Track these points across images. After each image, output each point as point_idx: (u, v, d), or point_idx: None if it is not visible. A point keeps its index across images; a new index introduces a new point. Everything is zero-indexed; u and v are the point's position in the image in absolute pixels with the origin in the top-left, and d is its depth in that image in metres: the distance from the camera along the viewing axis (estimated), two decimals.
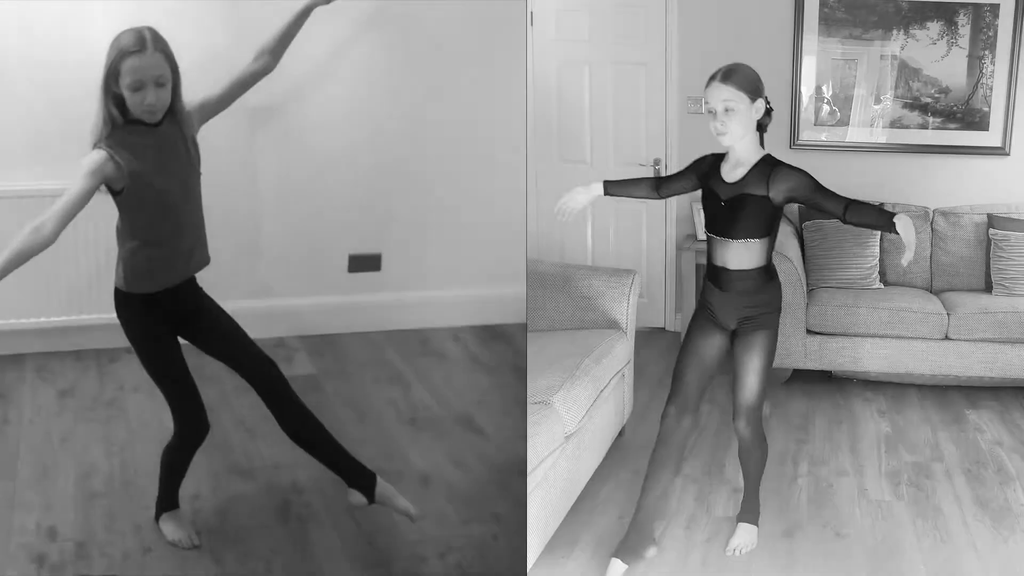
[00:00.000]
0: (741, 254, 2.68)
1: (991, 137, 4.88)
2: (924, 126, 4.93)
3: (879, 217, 2.59)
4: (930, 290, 4.73)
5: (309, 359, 3.54)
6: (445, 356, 3.69)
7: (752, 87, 2.58)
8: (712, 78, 2.59)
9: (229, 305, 2.51)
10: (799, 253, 4.58)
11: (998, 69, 4.80)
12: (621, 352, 3.55)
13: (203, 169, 3.43)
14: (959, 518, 3.24)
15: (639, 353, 4.15)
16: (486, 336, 3.84)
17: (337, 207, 3.75)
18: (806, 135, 5.06)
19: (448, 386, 3.43)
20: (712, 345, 2.80)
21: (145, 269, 2.32)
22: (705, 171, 2.75)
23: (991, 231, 4.64)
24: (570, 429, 2.99)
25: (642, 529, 2.85)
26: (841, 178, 5.00)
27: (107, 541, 2.52)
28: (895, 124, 4.97)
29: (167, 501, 2.57)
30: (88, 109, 3.28)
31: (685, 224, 5.19)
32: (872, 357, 4.36)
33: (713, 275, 2.78)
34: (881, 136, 5.00)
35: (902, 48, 4.87)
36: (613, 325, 3.69)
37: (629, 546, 2.84)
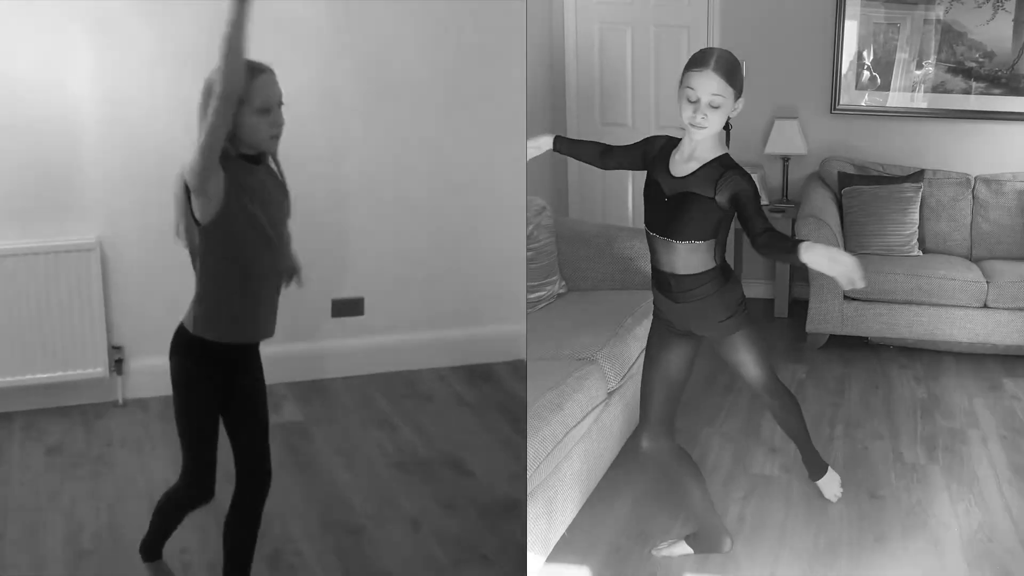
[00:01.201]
0: (687, 258, 2.44)
1: None
2: (967, 91, 4.87)
3: (785, 249, 2.26)
4: (970, 258, 4.71)
5: (296, 406, 3.52)
6: (431, 398, 3.67)
7: (739, 83, 2.35)
8: (701, 64, 2.31)
9: None
10: (838, 219, 4.58)
11: None
12: None
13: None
14: (994, 483, 3.27)
15: None
16: (471, 376, 3.83)
17: (318, 252, 3.64)
18: (846, 100, 5.02)
19: (435, 428, 3.42)
20: (675, 357, 2.61)
21: (217, 314, 2.15)
22: (653, 155, 2.50)
23: None
24: (613, 385, 3.06)
25: (711, 527, 2.80)
26: (882, 144, 5.02)
27: None
28: (937, 89, 4.91)
29: (152, 550, 2.48)
30: (64, 167, 3.26)
31: None
32: (909, 324, 4.37)
33: (662, 284, 2.54)
34: (923, 102, 4.95)
35: (946, 11, 4.80)
36: None
37: (703, 539, 2.82)
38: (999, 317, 4.29)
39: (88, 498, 2.89)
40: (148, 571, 2.49)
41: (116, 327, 3.50)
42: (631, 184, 5.29)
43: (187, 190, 2.04)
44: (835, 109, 5.04)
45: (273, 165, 2.18)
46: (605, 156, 2.69)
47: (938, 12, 4.82)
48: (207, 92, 2.00)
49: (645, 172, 2.57)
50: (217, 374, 2.20)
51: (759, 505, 3.11)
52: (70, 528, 2.74)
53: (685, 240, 2.42)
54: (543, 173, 4.91)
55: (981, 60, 4.83)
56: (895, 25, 4.89)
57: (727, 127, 2.42)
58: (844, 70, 4.99)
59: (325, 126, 3.63)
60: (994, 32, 4.77)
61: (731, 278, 2.56)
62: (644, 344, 3.32)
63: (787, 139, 4.92)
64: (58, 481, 2.99)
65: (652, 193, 2.48)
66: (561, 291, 3.76)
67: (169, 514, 2.41)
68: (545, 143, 2.74)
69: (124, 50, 3.32)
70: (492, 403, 3.62)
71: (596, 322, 3.28)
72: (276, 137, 2.11)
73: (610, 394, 3.06)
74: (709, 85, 2.30)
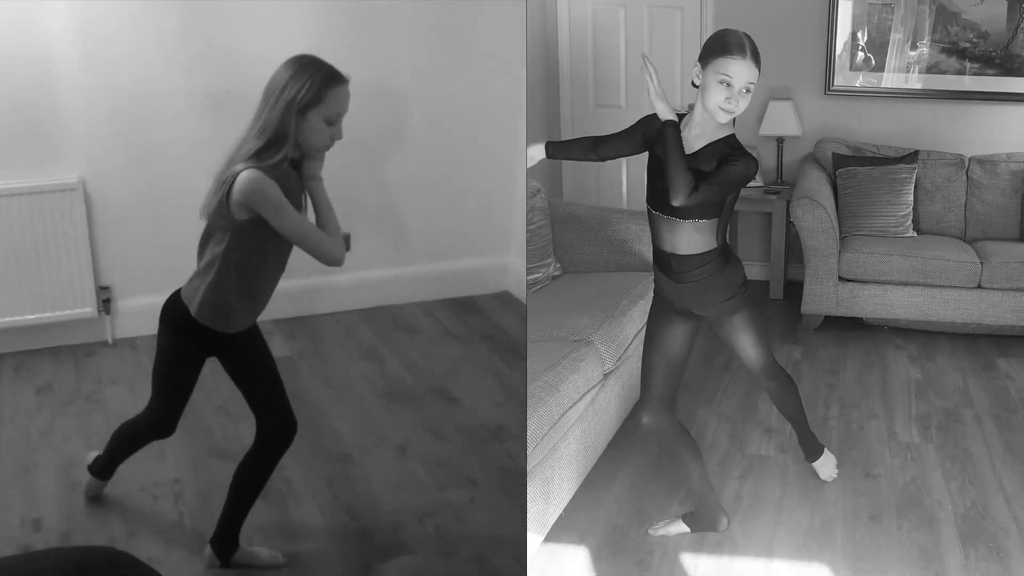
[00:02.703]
0: (691, 237, 2.46)
1: None
2: (962, 72, 4.87)
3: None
4: (964, 239, 4.72)
5: (284, 342, 3.53)
6: (418, 330, 3.70)
7: (760, 68, 2.38)
8: (738, 52, 2.32)
9: None
10: (832, 200, 4.58)
11: None
12: None
13: (164, 150, 3.08)
14: (987, 462, 3.28)
15: None
16: (457, 309, 3.86)
17: None
18: (841, 81, 5.02)
19: (422, 359, 3.45)
20: (677, 336, 2.63)
21: (227, 306, 2.15)
22: (653, 134, 2.48)
23: None
24: (609, 367, 3.06)
25: (708, 505, 2.82)
26: (876, 125, 5.01)
27: (91, 529, 2.51)
28: (932, 70, 4.90)
29: (104, 470, 2.54)
30: (41, 105, 3.19)
31: None
32: (904, 305, 4.38)
33: (663, 263, 2.55)
34: (917, 82, 4.94)
35: None
36: (649, 267, 3.70)
37: (700, 518, 2.83)
38: (993, 297, 4.30)
39: (79, 434, 2.94)
40: (90, 487, 2.56)
41: (103, 267, 3.48)
42: (625, 166, 5.28)
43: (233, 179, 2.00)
44: (829, 90, 5.03)
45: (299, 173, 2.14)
46: (600, 148, 2.65)
47: None
48: (270, 92, 2.00)
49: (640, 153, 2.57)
50: (209, 350, 2.23)
51: (755, 484, 3.13)
52: (62, 463, 2.79)
53: (690, 219, 2.43)
54: None
55: (975, 40, 4.82)
56: (889, 5, 4.88)
57: None
58: (838, 51, 4.98)
59: None
60: (988, 12, 4.76)
61: (732, 259, 2.58)
62: (640, 326, 3.35)
63: (781, 120, 4.92)
64: (49, 419, 3.03)
65: (657, 171, 2.47)
66: (556, 273, 3.76)
67: (127, 443, 2.47)
68: (537, 152, 2.69)
69: None
70: (477, 334, 3.66)
71: (591, 304, 3.29)
72: (327, 148, 2.10)
73: (606, 375, 3.07)
74: (746, 74, 2.32)
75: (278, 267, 2.21)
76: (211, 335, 2.19)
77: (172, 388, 2.29)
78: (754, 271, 5.19)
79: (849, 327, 4.56)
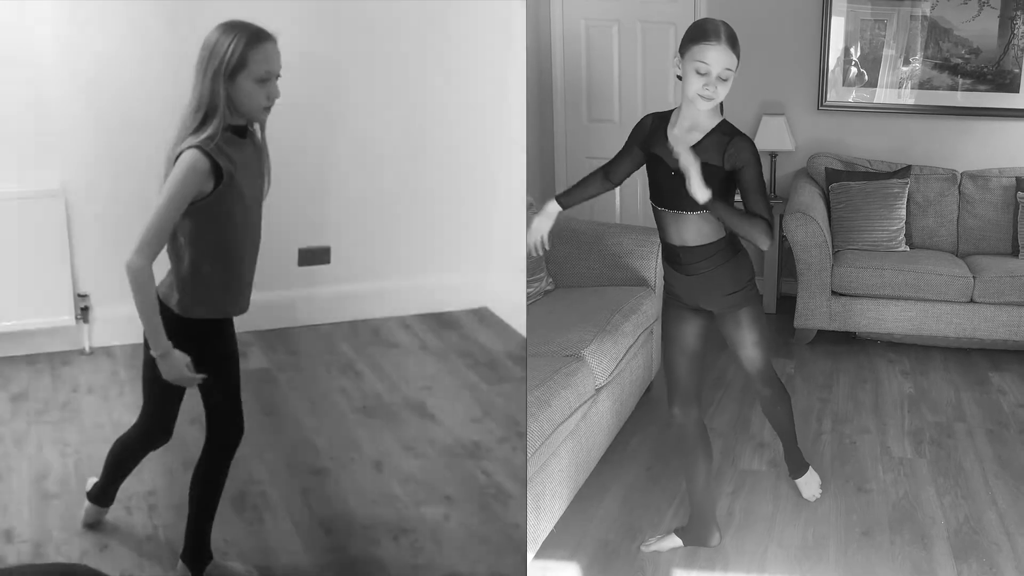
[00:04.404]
0: (700, 227, 2.48)
1: (1022, 99, 4.84)
2: (954, 88, 4.90)
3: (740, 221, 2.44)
4: (956, 253, 4.74)
5: (262, 353, 3.52)
6: (396, 345, 3.70)
7: (739, 53, 2.38)
8: (714, 38, 2.32)
9: None
10: (825, 215, 4.59)
11: None
12: (650, 309, 3.60)
13: (146, 158, 3.11)
14: (980, 476, 3.29)
15: None
16: (435, 324, 3.87)
17: (285, 201, 3.64)
18: (833, 96, 5.04)
19: (399, 374, 3.45)
20: (690, 332, 2.66)
21: (206, 291, 2.11)
22: (646, 136, 2.51)
23: (1019, 194, 4.63)
24: (600, 382, 3.06)
25: (703, 517, 2.82)
26: (869, 140, 5.04)
27: (63, 540, 2.48)
28: (924, 85, 4.93)
29: (104, 496, 2.50)
30: (24, 110, 3.16)
31: None
32: (897, 319, 4.39)
33: (671, 256, 2.57)
34: (910, 98, 4.97)
35: (932, 8, 4.82)
36: (642, 282, 3.74)
37: (692, 532, 2.83)
38: (985, 312, 4.31)
39: (54, 443, 2.91)
40: (90, 515, 2.51)
41: (82, 275, 3.45)
42: None
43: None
44: (822, 105, 5.05)
45: (260, 140, 2.14)
46: (610, 173, 2.67)
47: (924, 8, 4.84)
48: (199, 64, 1.95)
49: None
50: (193, 346, 2.18)
51: (747, 500, 3.12)
52: (36, 472, 2.76)
53: (697, 211, 2.43)
54: (531, 170, 4.90)
55: (967, 56, 4.85)
56: (882, 21, 4.91)
57: None
58: (831, 67, 5.01)
59: (292, 74, 3.58)
60: (980, 28, 4.79)
61: (739, 250, 2.59)
62: (632, 340, 3.36)
63: (775, 135, 4.94)
64: (24, 427, 3.00)
65: (657, 169, 2.49)
66: (548, 288, 3.76)
67: (126, 459, 2.42)
68: (552, 208, 2.67)
69: None
70: (455, 350, 3.66)
71: (584, 319, 3.29)
72: (268, 109, 2.05)
73: (598, 390, 3.07)
74: (723, 59, 2.31)
75: (254, 236, 2.15)
76: (195, 326, 2.14)
77: (166, 390, 2.23)
78: None
79: (842, 341, 4.57)
